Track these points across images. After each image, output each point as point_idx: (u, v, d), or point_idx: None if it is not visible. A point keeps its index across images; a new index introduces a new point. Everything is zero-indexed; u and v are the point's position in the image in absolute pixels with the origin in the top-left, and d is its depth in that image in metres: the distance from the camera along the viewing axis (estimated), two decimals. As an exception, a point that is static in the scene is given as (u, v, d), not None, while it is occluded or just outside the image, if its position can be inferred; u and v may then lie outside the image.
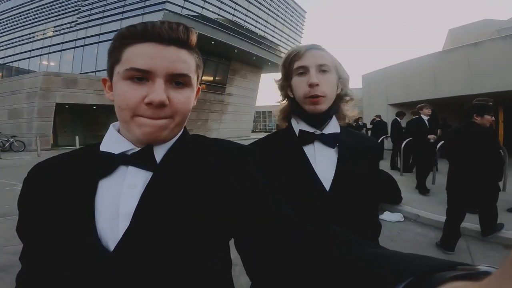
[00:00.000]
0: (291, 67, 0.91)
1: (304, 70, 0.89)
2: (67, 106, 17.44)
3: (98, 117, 19.86)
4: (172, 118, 0.54)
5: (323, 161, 0.89)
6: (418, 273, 0.28)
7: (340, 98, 0.96)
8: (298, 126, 0.94)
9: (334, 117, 0.95)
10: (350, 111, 0.99)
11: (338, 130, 0.94)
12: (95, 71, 18.51)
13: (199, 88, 0.63)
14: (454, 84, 8.95)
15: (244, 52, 24.13)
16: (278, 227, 0.50)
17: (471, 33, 14.94)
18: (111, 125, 0.62)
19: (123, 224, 0.51)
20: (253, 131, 35.75)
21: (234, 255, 0.63)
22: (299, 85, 0.90)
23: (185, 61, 0.54)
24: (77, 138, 14.39)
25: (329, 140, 0.90)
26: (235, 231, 0.57)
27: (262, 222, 0.53)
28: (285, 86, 0.96)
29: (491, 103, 3.15)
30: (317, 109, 0.89)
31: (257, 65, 28.47)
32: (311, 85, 0.86)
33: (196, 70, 0.58)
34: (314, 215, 0.86)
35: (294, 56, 0.90)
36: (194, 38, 0.56)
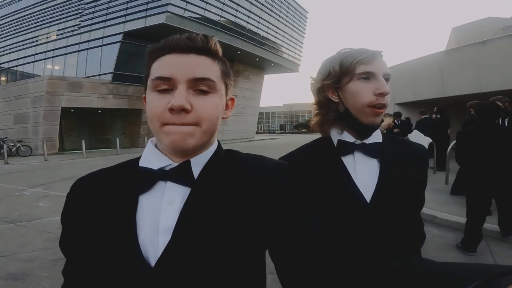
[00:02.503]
0: (353, 71, 0.82)
1: (368, 76, 0.81)
2: (72, 110, 17.55)
3: (103, 120, 19.98)
4: (198, 126, 0.54)
5: (364, 172, 0.84)
6: (486, 277, 0.29)
7: None
8: (338, 136, 0.88)
9: None
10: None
11: (380, 139, 0.88)
12: (99, 75, 18.59)
13: (233, 99, 0.64)
14: (462, 82, 8.87)
15: (247, 53, 24.18)
16: (311, 243, 0.52)
17: (475, 31, 14.87)
18: (149, 140, 0.63)
19: (163, 239, 0.52)
20: (257, 133, 35.76)
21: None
22: (363, 92, 0.81)
23: (206, 66, 0.55)
24: (83, 142, 14.44)
25: (370, 150, 0.85)
26: (269, 245, 0.58)
27: (295, 239, 0.54)
28: (329, 88, 0.87)
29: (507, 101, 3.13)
30: (377, 120, 0.83)
31: (260, 66, 28.52)
32: (382, 94, 0.79)
33: (222, 76, 0.58)
34: (355, 229, 0.81)
35: (360, 59, 0.81)
36: (214, 45, 0.57)
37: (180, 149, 0.55)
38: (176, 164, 0.56)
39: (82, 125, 20.22)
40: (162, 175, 0.56)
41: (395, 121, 8.06)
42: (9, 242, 3.63)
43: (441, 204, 4.54)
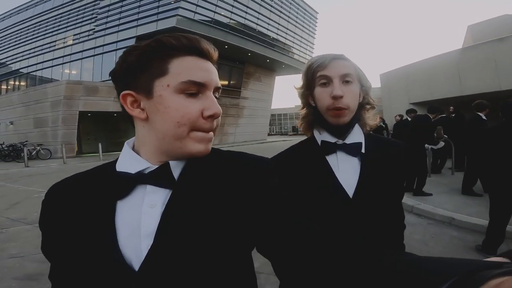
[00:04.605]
0: (314, 77, 0.90)
1: (327, 81, 0.88)
2: (89, 114, 17.96)
3: (119, 124, 20.36)
4: (214, 132, 0.56)
5: (346, 170, 0.90)
6: (460, 273, 0.28)
7: (361, 106, 0.96)
8: (320, 136, 0.95)
9: (357, 125, 0.95)
10: (372, 119, 0.98)
11: (361, 139, 0.93)
12: (114, 79, 18.94)
13: None
14: (480, 81, 8.63)
15: (258, 55, 24.19)
16: (301, 238, 0.51)
17: (492, 29, 14.44)
18: (125, 143, 0.60)
19: (146, 243, 0.51)
20: (269, 134, 35.73)
21: (258, 264, 0.60)
22: (322, 96, 0.89)
23: (218, 75, 0.57)
24: (100, 145, 14.80)
25: (351, 149, 0.91)
26: (258, 243, 0.58)
27: (285, 235, 0.53)
28: (307, 94, 0.96)
29: None
30: (341, 122, 0.89)
31: (271, 68, 28.49)
32: (335, 97, 0.86)
33: None
34: (339, 223, 0.88)
35: (317, 66, 0.89)
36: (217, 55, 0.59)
37: (203, 156, 0.56)
38: (155, 167, 0.55)
39: (99, 129, 20.67)
40: (141, 178, 0.54)
41: (408, 118, 7.85)
42: (26, 243, 3.74)
43: (459, 206, 4.41)
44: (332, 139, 0.92)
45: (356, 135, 0.93)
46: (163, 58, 0.52)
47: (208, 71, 0.54)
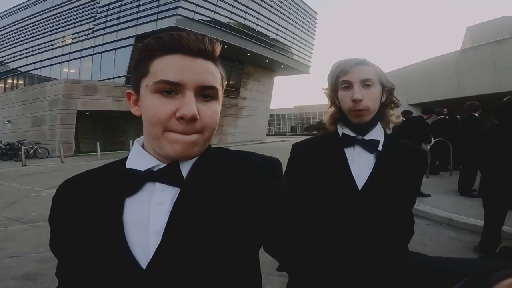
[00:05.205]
0: (337, 81, 0.99)
1: (348, 85, 0.96)
2: (87, 113, 17.92)
3: (118, 123, 20.32)
4: (202, 133, 0.53)
5: (360, 163, 0.97)
6: (473, 273, 0.28)
7: (385, 105, 1.03)
8: (342, 130, 1.03)
9: (379, 124, 1.01)
10: (395, 117, 1.05)
11: (380, 138, 0.99)
12: (113, 78, 18.96)
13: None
14: (479, 82, 8.66)
15: (257, 55, 24.21)
16: (307, 240, 0.51)
17: (491, 30, 14.54)
18: (135, 141, 0.61)
19: (154, 241, 0.51)
20: (267, 135, 35.73)
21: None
22: (344, 99, 0.98)
23: (212, 73, 0.54)
24: (98, 144, 14.74)
25: (368, 145, 0.97)
26: (264, 242, 0.58)
27: (291, 236, 0.53)
28: (332, 96, 1.05)
29: None
30: (361, 121, 0.97)
31: (270, 68, 28.51)
32: (354, 101, 0.94)
33: (221, 82, 0.57)
34: (347, 213, 0.94)
35: (340, 71, 0.98)
36: (219, 50, 0.55)
37: (183, 158, 0.54)
38: (164, 165, 0.55)
39: (97, 128, 20.62)
40: (150, 176, 0.55)
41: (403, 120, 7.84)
42: (24, 242, 3.72)
43: (457, 207, 4.43)
44: (352, 134, 1.00)
45: (376, 133, 0.99)
46: (146, 59, 0.53)
47: (186, 70, 0.50)
